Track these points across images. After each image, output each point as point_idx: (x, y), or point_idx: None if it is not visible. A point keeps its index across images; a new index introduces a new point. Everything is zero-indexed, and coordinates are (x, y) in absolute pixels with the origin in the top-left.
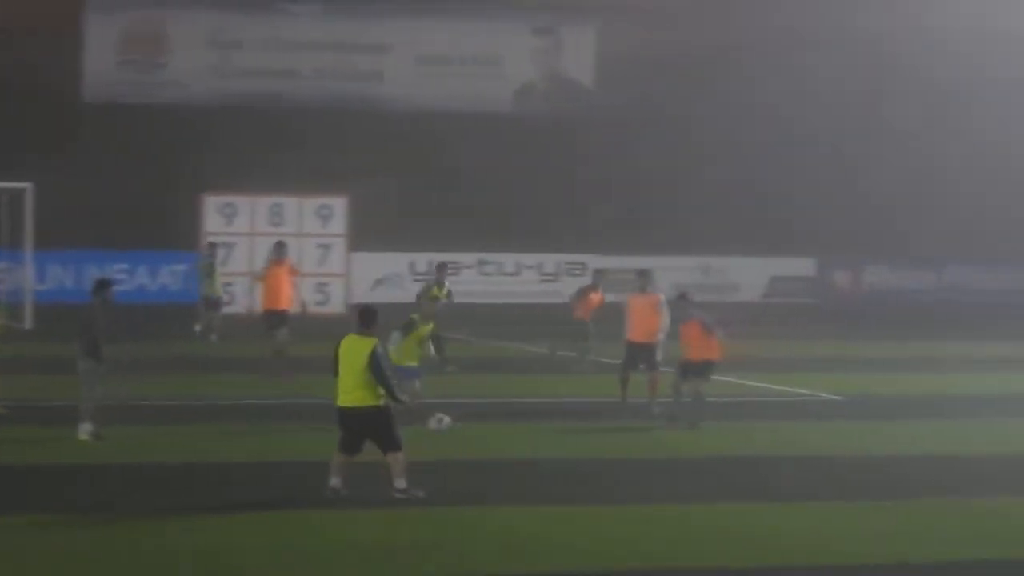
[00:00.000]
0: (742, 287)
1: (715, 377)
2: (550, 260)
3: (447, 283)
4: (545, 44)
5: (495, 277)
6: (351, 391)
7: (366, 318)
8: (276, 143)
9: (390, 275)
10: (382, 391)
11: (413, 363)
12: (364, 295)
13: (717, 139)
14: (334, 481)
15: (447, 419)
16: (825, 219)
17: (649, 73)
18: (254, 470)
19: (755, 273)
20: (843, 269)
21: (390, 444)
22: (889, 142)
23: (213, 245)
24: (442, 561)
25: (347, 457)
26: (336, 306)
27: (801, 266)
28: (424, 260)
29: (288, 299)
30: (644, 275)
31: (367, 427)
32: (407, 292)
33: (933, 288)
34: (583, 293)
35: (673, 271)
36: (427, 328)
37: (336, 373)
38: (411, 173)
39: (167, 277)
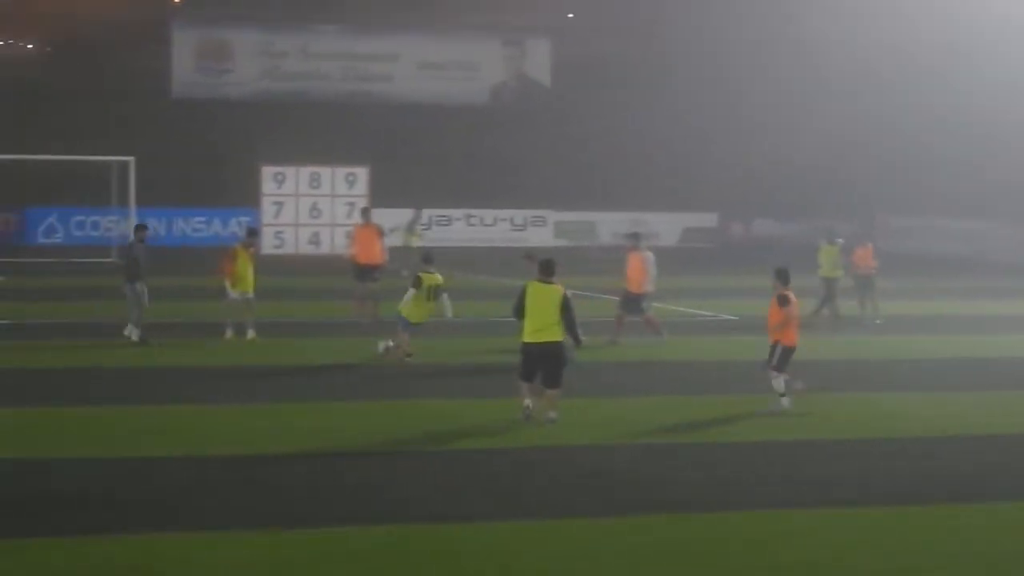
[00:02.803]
0: (662, 235)
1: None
2: (519, 214)
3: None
4: (513, 53)
5: (478, 228)
6: (541, 330)
7: (547, 268)
8: (313, 128)
9: (396, 226)
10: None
11: (422, 319)
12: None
13: (643, 123)
14: (528, 401)
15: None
16: (724, 184)
17: (591, 73)
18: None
19: (672, 224)
20: (738, 221)
21: (556, 380)
22: (766, 128)
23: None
24: None
25: (531, 383)
26: None
27: (706, 219)
28: (425, 215)
29: (378, 255)
30: (635, 236)
31: (546, 360)
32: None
33: (804, 234)
34: (853, 251)
35: (610, 223)
36: (433, 280)
37: (521, 315)
38: (414, 150)
39: (235, 226)
